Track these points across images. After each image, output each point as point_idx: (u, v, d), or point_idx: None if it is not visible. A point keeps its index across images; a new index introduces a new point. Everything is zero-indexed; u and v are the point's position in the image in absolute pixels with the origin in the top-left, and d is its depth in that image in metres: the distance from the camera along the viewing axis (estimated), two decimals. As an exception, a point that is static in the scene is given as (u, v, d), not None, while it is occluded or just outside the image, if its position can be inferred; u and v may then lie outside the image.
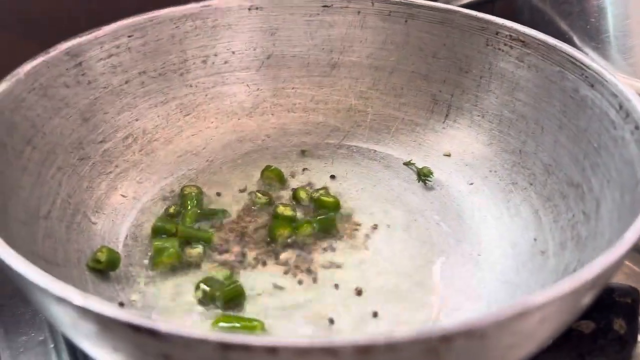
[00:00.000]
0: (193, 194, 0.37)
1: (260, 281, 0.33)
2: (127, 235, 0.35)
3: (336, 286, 0.33)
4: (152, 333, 0.19)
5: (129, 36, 0.39)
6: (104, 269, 0.32)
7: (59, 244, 0.32)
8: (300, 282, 0.33)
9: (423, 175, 0.41)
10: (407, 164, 0.42)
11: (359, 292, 0.33)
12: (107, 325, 0.20)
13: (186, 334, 0.18)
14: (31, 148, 0.33)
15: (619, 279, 0.40)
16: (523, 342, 0.21)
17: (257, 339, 0.18)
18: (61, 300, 0.20)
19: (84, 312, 0.20)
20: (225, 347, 0.18)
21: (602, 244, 0.28)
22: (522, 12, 0.52)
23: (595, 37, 0.47)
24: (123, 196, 0.37)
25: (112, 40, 0.38)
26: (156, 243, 0.34)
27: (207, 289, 0.31)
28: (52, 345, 0.33)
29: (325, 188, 0.39)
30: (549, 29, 0.49)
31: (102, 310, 0.19)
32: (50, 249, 0.31)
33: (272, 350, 0.18)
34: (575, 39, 0.47)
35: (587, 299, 0.23)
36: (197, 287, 0.32)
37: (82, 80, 0.37)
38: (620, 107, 0.32)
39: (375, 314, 0.32)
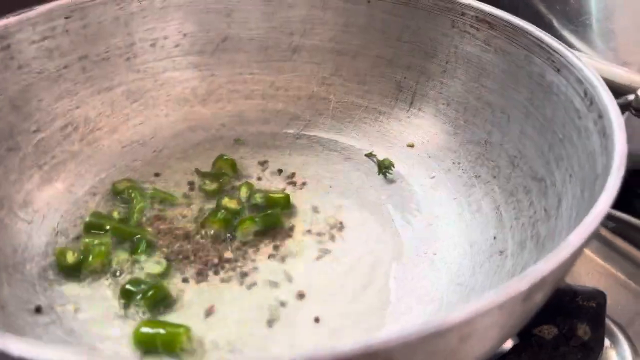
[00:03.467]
0: (129, 189, 0.35)
1: (196, 281, 0.31)
2: (57, 232, 0.33)
3: (276, 285, 0.31)
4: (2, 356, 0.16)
5: (67, 17, 0.37)
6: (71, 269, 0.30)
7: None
8: (241, 283, 0.31)
9: (384, 168, 0.38)
10: (369, 155, 0.39)
11: (301, 295, 0.31)
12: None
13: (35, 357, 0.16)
14: (-53, 138, 0.31)
15: (592, 280, 0.37)
16: (446, 360, 0.18)
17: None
18: None
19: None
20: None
21: (559, 244, 0.26)
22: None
23: (575, 20, 0.44)
24: (57, 189, 0.35)
25: (46, 21, 0.36)
26: (86, 240, 0.32)
27: (133, 289, 0.29)
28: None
29: (288, 179, 0.37)
30: (528, 12, 0.46)
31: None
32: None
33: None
34: (555, 22, 0.45)
35: (525, 308, 0.21)
36: (122, 289, 0.29)
37: (10, 65, 0.34)
38: (585, 94, 0.29)
39: (317, 320, 0.29)
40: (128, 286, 0.29)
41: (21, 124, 0.35)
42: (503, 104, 0.35)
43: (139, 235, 0.32)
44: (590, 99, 0.28)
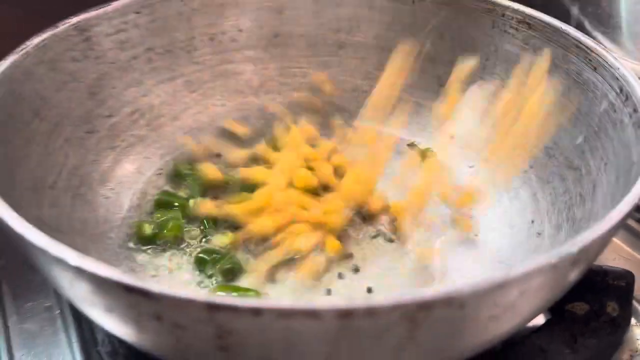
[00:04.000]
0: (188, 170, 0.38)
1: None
2: (130, 207, 0.36)
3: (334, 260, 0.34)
4: (143, 293, 0.19)
5: (137, 12, 0.40)
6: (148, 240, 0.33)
7: (63, 212, 0.33)
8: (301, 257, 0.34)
9: (426, 157, 0.41)
10: (411, 145, 0.42)
11: (356, 270, 0.34)
12: (100, 286, 0.20)
13: (176, 295, 0.19)
14: (39, 120, 0.34)
15: (618, 264, 0.40)
16: (504, 314, 0.21)
17: (243, 301, 0.19)
18: (58, 261, 0.21)
19: (79, 272, 0.21)
20: (213, 307, 0.19)
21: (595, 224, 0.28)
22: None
23: (606, 23, 0.47)
24: (128, 170, 0.38)
25: (120, 16, 0.39)
26: (158, 215, 0.35)
27: (207, 258, 0.32)
28: (57, 312, 0.34)
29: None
30: (560, 13, 0.48)
31: (96, 270, 0.20)
32: (55, 217, 0.32)
33: (257, 311, 0.19)
34: (587, 24, 0.47)
35: (570, 276, 0.23)
36: (197, 257, 0.32)
37: (90, 55, 0.38)
38: (621, 90, 0.32)
39: (369, 290, 0.32)
40: (202, 255, 0.32)
41: (97, 109, 0.38)
42: (540, 98, 0.38)
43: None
44: (625, 95, 0.31)
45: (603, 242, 0.23)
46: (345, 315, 0.18)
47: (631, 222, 0.42)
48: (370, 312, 0.18)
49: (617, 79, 0.32)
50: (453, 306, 0.19)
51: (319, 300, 0.22)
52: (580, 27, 0.47)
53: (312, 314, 0.18)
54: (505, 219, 0.36)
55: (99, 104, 0.38)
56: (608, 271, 0.34)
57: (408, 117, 0.43)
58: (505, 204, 0.37)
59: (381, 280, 0.33)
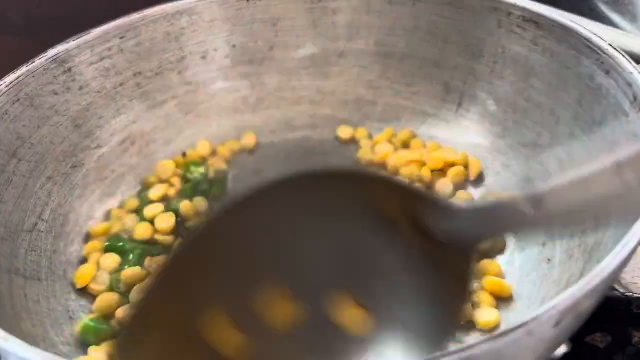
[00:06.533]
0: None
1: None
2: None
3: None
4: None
5: (121, 37, 0.38)
6: None
7: (43, 256, 0.32)
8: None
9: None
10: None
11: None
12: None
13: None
14: (16, 160, 0.33)
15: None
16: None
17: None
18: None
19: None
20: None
21: (604, 255, 0.25)
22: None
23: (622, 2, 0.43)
24: (118, 201, 0.37)
25: (102, 42, 0.38)
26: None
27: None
28: None
29: None
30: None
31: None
32: (33, 263, 0.31)
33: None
34: (601, 5, 0.43)
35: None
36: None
37: (72, 87, 0.37)
38: (635, 97, 0.28)
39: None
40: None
41: (83, 142, 0.37)
42: (552, 105, 0.35)
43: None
44: (639, 104, 0.27)
45: (610, 280, 0.20)
46: None
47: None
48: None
49: (630, 84, 0.28)
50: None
51: None
52: (594, 9, 0.43)
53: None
54: (516, 240, 0.33)
55: (85, 135, 0.37)
56: (631, 299, 0.30)
57: (414, 128, 0.40)
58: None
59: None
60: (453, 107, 0.40)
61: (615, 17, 0.44)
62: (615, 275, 0.22)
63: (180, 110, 0.41)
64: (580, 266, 0.28)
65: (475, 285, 0.30)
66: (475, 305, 0.30)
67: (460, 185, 0.37)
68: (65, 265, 0.33)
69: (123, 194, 0.38)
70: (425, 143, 0.39)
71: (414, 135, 0.40)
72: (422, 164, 0.38)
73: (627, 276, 0.37)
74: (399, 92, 0.41)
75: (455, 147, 0.38)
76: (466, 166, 0.37)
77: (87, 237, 0.35)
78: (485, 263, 0.31)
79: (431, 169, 0.37)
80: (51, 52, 0.35)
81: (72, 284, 0.32)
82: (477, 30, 0.38)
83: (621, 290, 0.35)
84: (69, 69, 0.36)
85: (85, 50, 0.37)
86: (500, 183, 0.36)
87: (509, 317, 0.29)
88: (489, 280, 0.30)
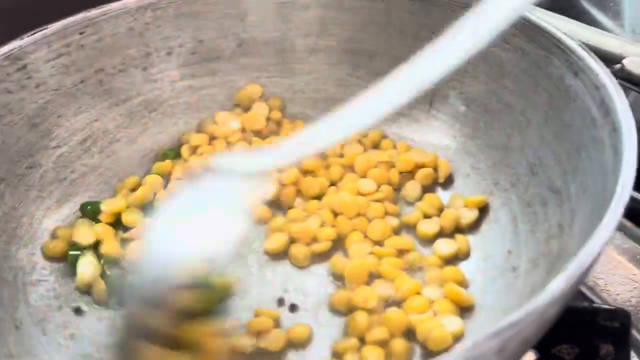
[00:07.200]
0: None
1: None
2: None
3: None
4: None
5: (81, 33, 0.37)
6: None
7: (-8, 263, 0.31)
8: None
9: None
10: (387, 159, 0.38)
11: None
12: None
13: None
14: (-35, 163, 0.32)
15: (625, 289, 0.35)
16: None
17: None
18: None
19: None
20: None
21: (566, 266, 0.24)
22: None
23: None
24: (77, 203, 0.36)
25: (60, 39, 0.36)
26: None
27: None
28: None
29: None
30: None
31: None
32: (-19, 269, 0.30)
33: None
34: (584, 3, 0.42)
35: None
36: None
37: (27, 84, 0.35)
38: (602, 102, 0.27)
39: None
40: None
41: (40, 141, 0.36)
42: (523, 106, 0.34)
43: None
44: (605, 109, 0.26)
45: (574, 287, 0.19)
46: None
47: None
48: None
49: (598, 88, 0.27)
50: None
51: None
52: (576, 6, 0.42)
53: None
54: (482, 248, 0.32)
55: (42, 135, 0.36)
56: (598, 310, 0.30)
57: (385, 128, 0.39)
58: (484, 228, 0.33)
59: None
60: (425, 107, 0.39)
61: (598, 14, 0.43)
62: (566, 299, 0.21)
63: (145, 108, 0.40)
64: (543, 276, 0.27)
65: (436, 293, 0.29)
66: (437, 313, 0.29)
67: (428, 187, 0.36)
68: (16, 271, 0.31)
69: (83, 195, 0.36)
70: (396, 143, 0.38)
71: (384, 136, 0.39)
72: (391, 165, 0.37)
73: (600, 282, 0.36)
74: (371, 90, 0.40)
75: (426, 148, 0.38)
76: (435, 168, 0.36)
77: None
78: (448, 270, 0.30)
79: (400, 171, 0.36)
80: (4, 49, 0.34)
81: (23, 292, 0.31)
82: (448, 27, 0.37)
83: (593, 297, 0.34)
84: (24, 66, 0.35)
85: (42, 46, 0.36)
86: (469, 186, 0.35)
87: (473, 328, 0.29)
88: (449, 289, 0.29)
